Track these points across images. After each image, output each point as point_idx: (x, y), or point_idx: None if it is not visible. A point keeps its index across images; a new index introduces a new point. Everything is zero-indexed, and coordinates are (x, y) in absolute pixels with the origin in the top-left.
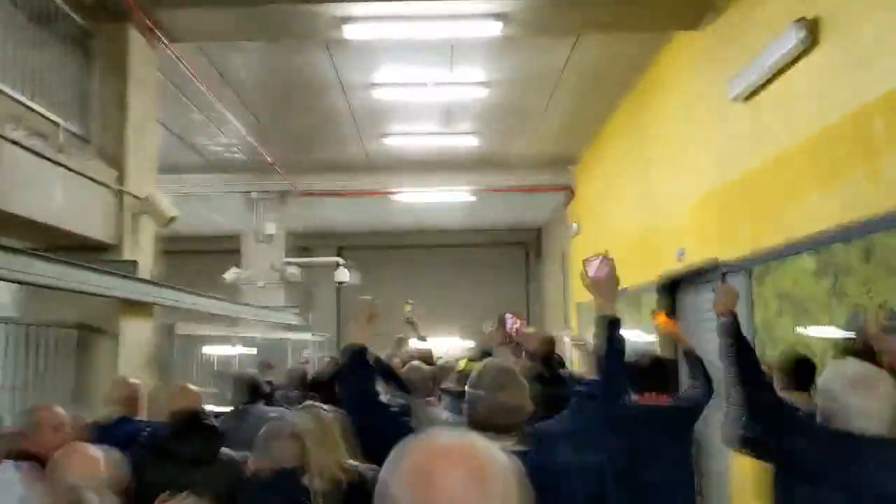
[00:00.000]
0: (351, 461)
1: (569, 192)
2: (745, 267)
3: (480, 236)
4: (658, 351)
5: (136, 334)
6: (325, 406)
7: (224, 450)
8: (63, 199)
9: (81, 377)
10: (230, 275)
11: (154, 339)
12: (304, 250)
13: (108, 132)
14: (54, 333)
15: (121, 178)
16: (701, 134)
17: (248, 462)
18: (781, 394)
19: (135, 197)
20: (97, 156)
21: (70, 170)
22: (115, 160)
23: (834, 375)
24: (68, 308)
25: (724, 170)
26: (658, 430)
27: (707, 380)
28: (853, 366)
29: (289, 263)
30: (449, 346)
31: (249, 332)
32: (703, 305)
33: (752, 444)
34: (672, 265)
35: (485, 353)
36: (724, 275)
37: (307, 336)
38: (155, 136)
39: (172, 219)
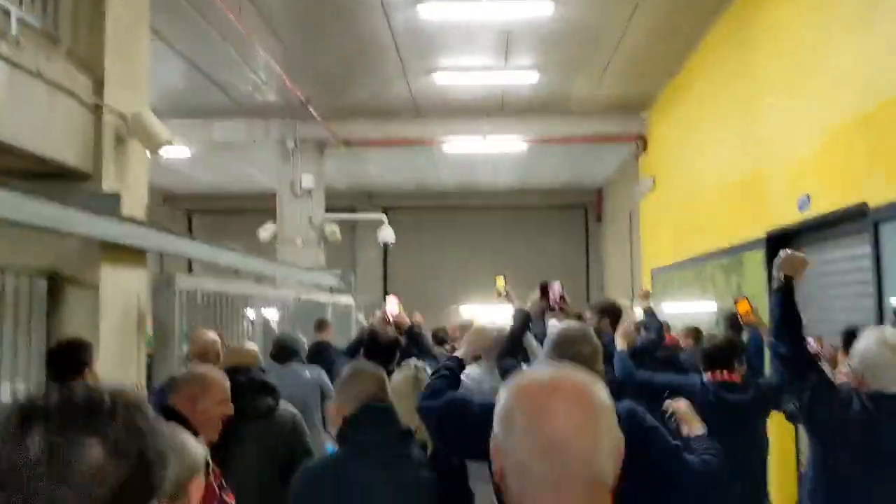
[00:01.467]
0: None
1: (640, 142)
2: None
3: (535, 197)
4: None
5: (120, 286)
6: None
7: (282, 404)
8: (16, 108)
9: (53, 335)
10: (265, 232)
11: (147, 292)
12: (346, 211)
13: (82, 31)
14: (17, 282)
15: (99, 90)
16: (841, 39)
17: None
18: None
19: (118, 115)
20: (67, 59)
21: (26, 71)
22: (91, 67)
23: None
24: (35, 251)
25: (879, 84)
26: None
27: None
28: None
29: (328, 221)
30: (500, 314)
31: (279, 292)
32: (840, 265)
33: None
34: (788, 216)
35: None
36: (876, 224)
37: (348, 300)
38: (147, 44)
39: (166, 143)
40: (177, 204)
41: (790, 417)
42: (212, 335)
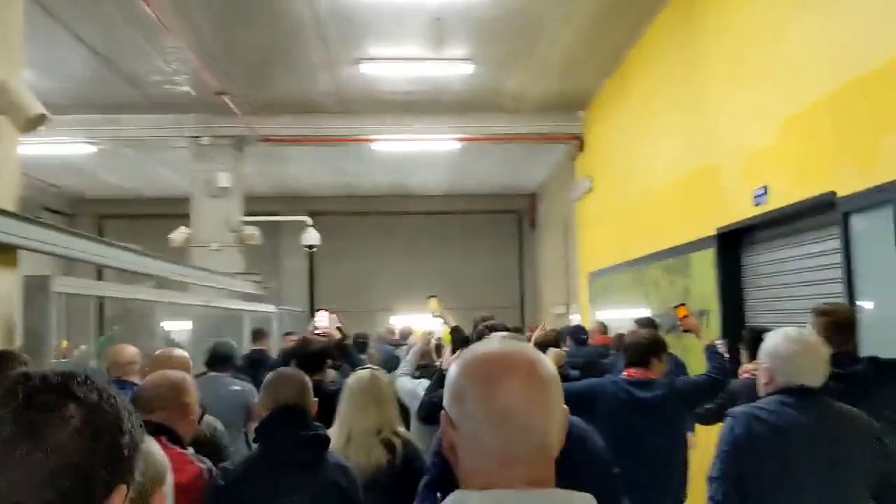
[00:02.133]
0: (401, 428)
1: (577, 142)
2: (891, 199)
3: (469, 202)
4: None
5: None
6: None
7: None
8: None
9: None
10: (178, 234)
11: (16, 295)
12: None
13: None
14: None
15: None
16: (800, 15)
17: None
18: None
19: None
20: None
21: None
22: None
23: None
24: None
25: (844, 62)
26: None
27: (721, 371)
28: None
29: (247, 223)
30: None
31: (185, 299)
32: (804, 262)
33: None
34: (742, 211)
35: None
36: (846, 215)
37: (269, 308)
38: (20, 3)
39: (39, 119)
40: (86, 208)
41: (701, 418)
42: (132, 349)
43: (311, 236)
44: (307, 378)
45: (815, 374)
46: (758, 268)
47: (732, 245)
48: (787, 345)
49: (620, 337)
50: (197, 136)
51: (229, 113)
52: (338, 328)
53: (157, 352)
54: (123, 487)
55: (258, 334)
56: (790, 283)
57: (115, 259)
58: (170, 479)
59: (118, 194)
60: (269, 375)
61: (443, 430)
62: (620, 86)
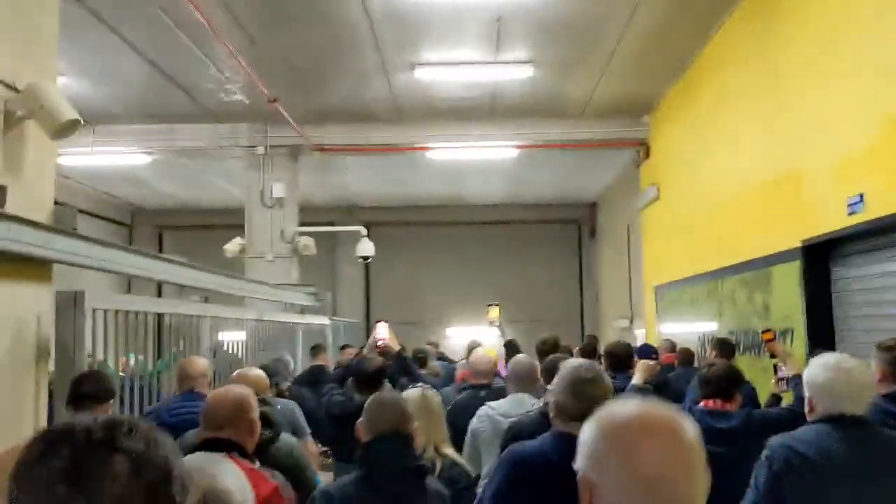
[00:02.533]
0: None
1: (642, 148)
2: None
3: (526, 212)
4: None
5: (10, 305)
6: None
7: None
8: None
9: None
10: (232, 245)
11: (50, 312)
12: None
13: None
14: None
15: None
16: None
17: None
18: None
19: (4, 85)
20: None
21: None
22: None
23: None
24: None
25: None
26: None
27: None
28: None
29: (302, 234)
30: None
31: (237, 312)
32: None
33: None
34: (833, 221)
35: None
36: None
37: (323, 320)
38: (55, 8)
39: (72, 124)
40: (145, 218)
41: None
42: (202, 362)
43: (366, 247)
44: (407, 404)
45: (855, 400)
46: (850, 283)
47: (820, 258)
48: (824, 373)
49: (684, 352)
50: (252, 146)
51: (284, 122)
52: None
53: (235, 373)
54: None
55: (317, 349)
56: (888, 301)
57: (157, 271)
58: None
59: (176, 205)
60: (371, 400)
61: (582, 491)
62: (689, 88)
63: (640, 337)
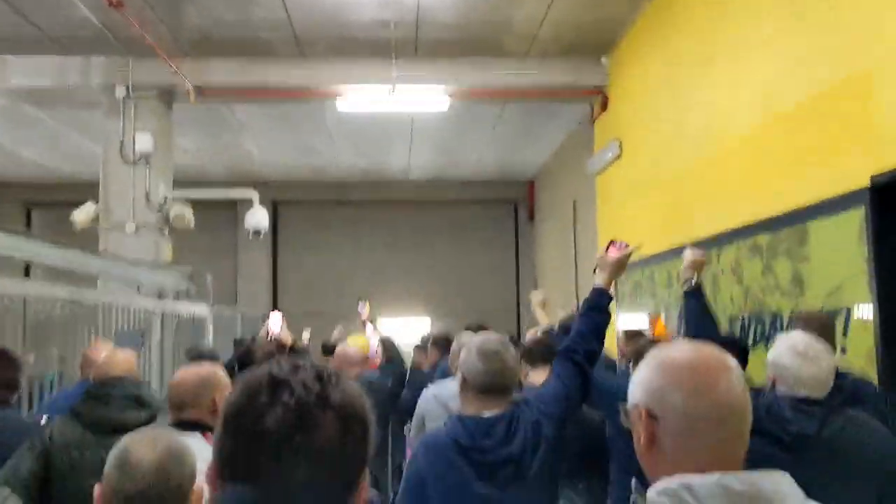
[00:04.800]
0: None
1: (598, 98)
2: None
3: (456, 190)
4: None
5: None
6: None
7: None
8: None
9: None
10: (82, 213)
11: None
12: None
13: None
14: None
15: None
16: None
17: None
18: None
19: None
20: None
21: None
22: None
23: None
24: None
25: None
26: None
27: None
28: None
29: (177, 200)
30: (411, 327)
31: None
32: None
33: None
34: None
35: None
36: None
37: (200, 309)
38: None
39: None
40: (11, 195)
41: None
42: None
43: (258, 218)
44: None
45: (819, 386)
46: None
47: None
48: (792, 357)
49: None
50: (110, 86)
51: (151, 54)
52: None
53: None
54: (366, 474)
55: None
56: None
57: None
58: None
59: (47, 178)
60: None
61: (638, 425)
62: (665, 8)
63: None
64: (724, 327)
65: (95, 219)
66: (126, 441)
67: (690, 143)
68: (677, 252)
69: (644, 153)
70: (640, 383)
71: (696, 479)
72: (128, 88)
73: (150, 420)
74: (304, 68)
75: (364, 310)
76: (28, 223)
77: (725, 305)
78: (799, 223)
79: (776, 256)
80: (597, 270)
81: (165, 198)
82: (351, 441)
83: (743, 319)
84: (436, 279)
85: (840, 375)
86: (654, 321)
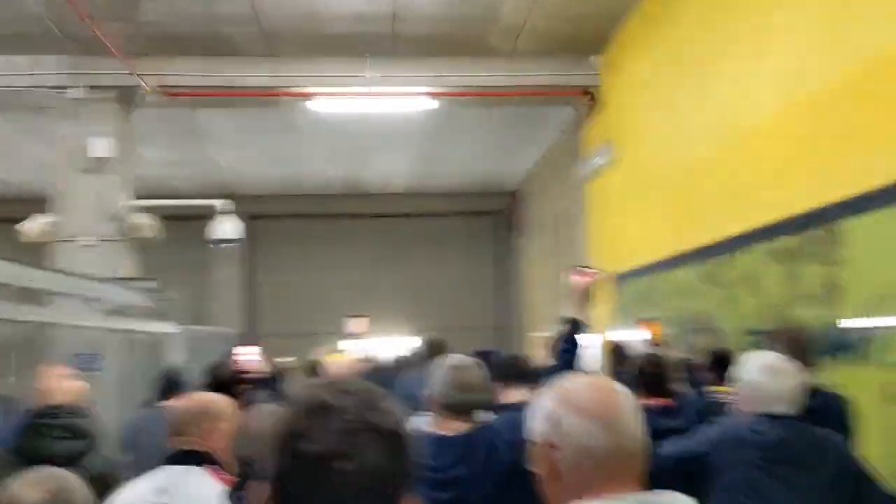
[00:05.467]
0: None
1: (586, 99)
2: None
3: (435, 203)
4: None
5: None
6: None
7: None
8: None
9: None
10: (32, 224)
11: None
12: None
13: None
14: None
15: None
16: None
17: None
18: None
19: None
20: None
21: None
22: None
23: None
24: None
25: None
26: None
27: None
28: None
29: (137, 209)
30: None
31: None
32: None
33: None
34: None
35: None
36: None
37: (165, 327)
38: None
39: None
40: None
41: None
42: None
43: (227, 227)
44: None
45: (788, 403)
46: None
47: None
48: (760, 375)
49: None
50: (61, 88)
51: (108, 53)
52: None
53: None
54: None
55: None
56: None
57: None
58: None
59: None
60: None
61: (540, 457)
62: (663, 4)
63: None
64: (737, 343)
65: (49, 232)
66: (14, 483)
67: (699, 139)
68: (685, 259)
69: (643, 154)
70: (538, 415)
71: None
72: (83, 90)
73: (85, 451)
74: (272, 68)
75: (356, 327)
76: None
77: (745, 316)
78: (830, 222)
79: (802, 259)
80: (567, 299)
81: (126, 207)
82: (396, 460)
83: (760, 335)
84: (415, 295)
85: (812, 393)
86: (649, 326)
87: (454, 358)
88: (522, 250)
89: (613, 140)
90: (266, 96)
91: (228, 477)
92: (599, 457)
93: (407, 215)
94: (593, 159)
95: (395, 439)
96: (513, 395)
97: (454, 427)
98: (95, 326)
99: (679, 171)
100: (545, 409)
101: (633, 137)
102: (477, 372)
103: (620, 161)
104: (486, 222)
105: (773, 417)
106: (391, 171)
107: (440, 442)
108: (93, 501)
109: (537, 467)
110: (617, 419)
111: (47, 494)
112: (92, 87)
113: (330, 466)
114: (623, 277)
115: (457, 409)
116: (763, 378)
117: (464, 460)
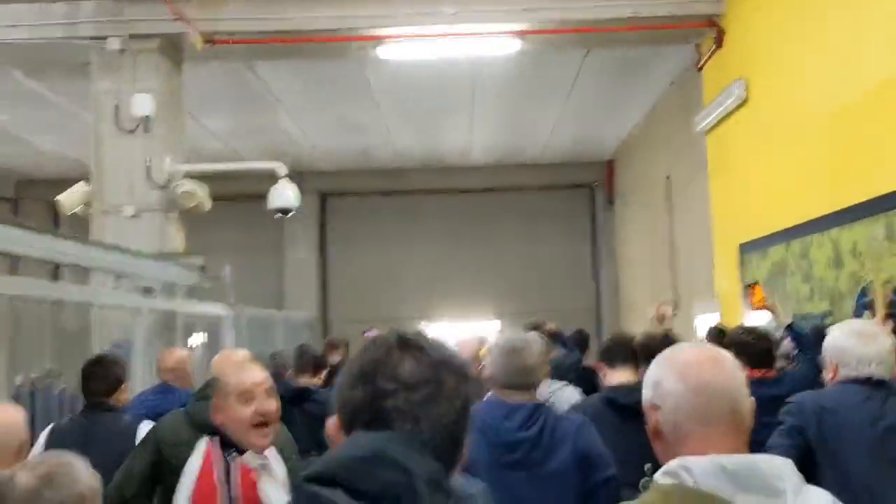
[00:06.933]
0: None
1: (711, 31)
2: None
3: (522, 175)
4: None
5: None
6: None
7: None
8: None
9: None
10: (71, 195)
11: None
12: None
13: None
14: None
15: None
16: None
17: None
18: None
19: None
20: None
21: None
22: None
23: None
24: None
25: None
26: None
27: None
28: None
29: (187, 176)
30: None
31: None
32: None
33: None
34: None
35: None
36: None
37: (216, 309)
38: None
39: None
40: (35, 192)
41: None
42: (177, 354)
43: (284, 194)
44: None
45: (881, 364)
46: None
47: None
48: (849, 338)
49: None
50: (101, 37)
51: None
52: None
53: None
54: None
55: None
56: None
57: None
58: None
59: (69, 172)
60: None
61: (648, 421)
62: None
63: (699, 328)
64: None
65: (88, 203)
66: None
67: (869, 65)
68: (846, 215)
69: (786, 90)
70: (648, 381)
71: (692, 460)
72: (123, 40)
73: None
74: (335, 7)
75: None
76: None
77: None
78: None
79: None
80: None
81: (173, 172)
82: (463, 394)
83: None
84: (502, 276)
85: None
86: (752, 291)
87: (510, 340)
88: (622, 223)
89: (746, 76)
90: (331, 41)
91: None
92: (693, 418)
93: (491, 190)
94: (717, 103)
95: (462, 375)
96: (618, 375)
97: (517, 399)
98: (124, 305)
99: (840, 105)
100: (652, 374)
101: (772, 70)
102: (531, 352)
103: (754, 100)
104: (580, 195)
105: (870, 381)
106: (473, 140)
107: (508, 407)
108: (100, 491)
109: (648, 428)
110: (710, 382)
111: (39, 480)
112: (132, 37)
113: (414, 392)
114: (749, 247)
115: (513, 386)
116: (857, 342)
117: (529, 426)
